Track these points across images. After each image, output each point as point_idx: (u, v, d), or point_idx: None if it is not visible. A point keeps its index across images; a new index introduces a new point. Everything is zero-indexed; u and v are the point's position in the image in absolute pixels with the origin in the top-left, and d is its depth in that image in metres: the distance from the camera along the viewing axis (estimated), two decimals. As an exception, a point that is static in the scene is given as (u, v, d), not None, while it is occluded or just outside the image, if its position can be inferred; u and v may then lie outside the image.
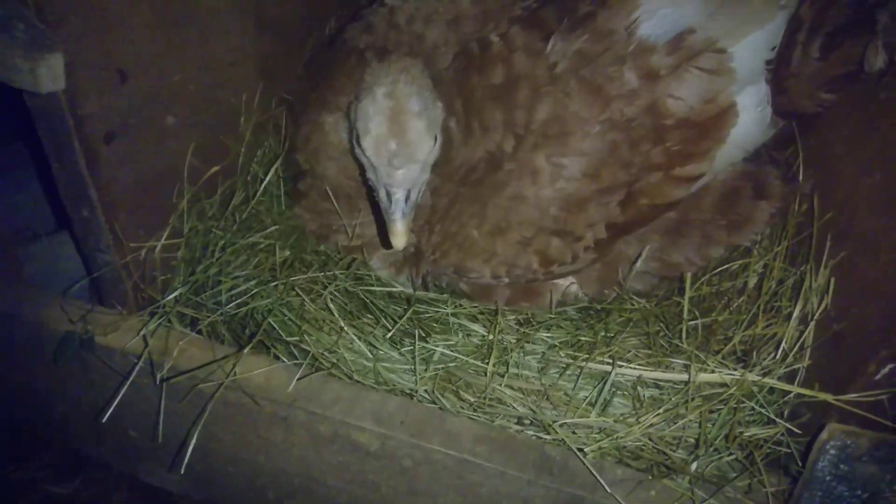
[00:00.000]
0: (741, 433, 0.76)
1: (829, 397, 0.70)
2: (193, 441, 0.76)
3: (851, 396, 0.69)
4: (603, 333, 0.87)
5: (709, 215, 0.92)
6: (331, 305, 0.87)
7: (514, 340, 0.86)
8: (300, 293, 0.87)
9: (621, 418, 0.78)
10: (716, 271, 0.95)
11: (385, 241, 0.83)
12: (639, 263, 0.92)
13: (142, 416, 0.85)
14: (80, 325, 0.84)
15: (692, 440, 0.77)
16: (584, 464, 0.73)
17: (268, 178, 1.03)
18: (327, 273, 0.92)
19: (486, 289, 0.95)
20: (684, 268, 0.93)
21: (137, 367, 0.79)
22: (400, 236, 0.78)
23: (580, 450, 0.74)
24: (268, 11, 1.05)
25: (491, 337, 0.85)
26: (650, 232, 0.92)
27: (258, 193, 1.01)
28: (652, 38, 0.81)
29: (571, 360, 0.82)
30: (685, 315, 0.84)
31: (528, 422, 0.80)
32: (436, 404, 0.81)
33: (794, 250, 0.91)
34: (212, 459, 0.89)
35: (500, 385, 0.80)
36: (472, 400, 0.81)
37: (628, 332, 0.88)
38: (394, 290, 0.96)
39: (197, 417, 0.77)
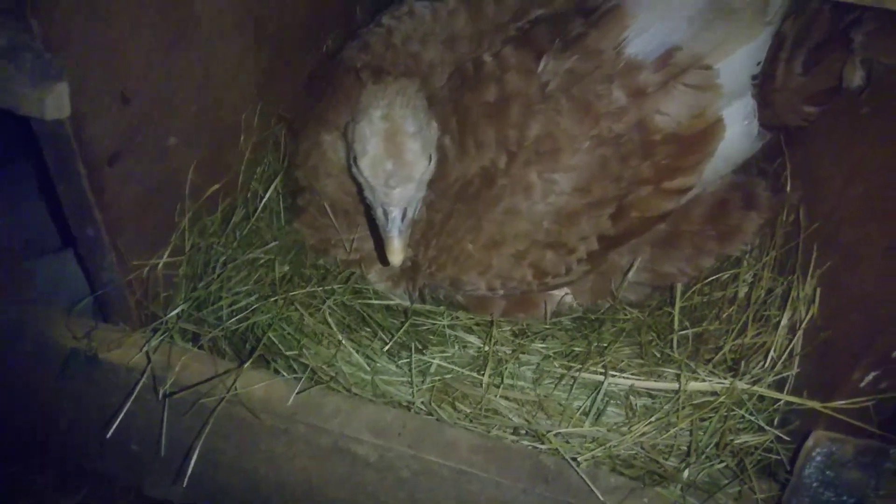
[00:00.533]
0: (732, 441, 0.78)
1: (816, 405, 0.72)
2: (196, 455, 0.78)
3: (838, 404, 0.70)
4: (596, 343, 0.89)
5: (699, 226, 0.94)
6: (329, 319, 0.88)
7: (510, 351, 0.88)
8: (299, 308, 0.89)
9: (614, 427, 0.79)
10: (707, 281, 0.97)
11: (383, 258, 0.85)
12: (631, 274, 0.94)
13: (145, 431, 0.87)
14: (85, 341, 0.86)
15: (684, 448, 0.78)
16: (578, 473, 0.75)
17: (267, 195, 1.05)
18: (326, 287, 0.94)
19: (482, 301, 0.97)
20: (676, 278, 0.95)
21: (140, 383, 0.81)
22: (397, 253, 0.80)
23: (574, 459, 0.76)
24: (267, 29, 1.07)
25: (487, 348, 0.87)
26: (642, 243, 0.94)
27: (258, 210, 1.03)
28: (640, 56, 0.83)
29: (565, 371, 0.84)
30: (676, 326, 0.86)
31: (524, 432, 0.82)
32: (433, 415, 0.82)
33: (783, 260, 0.93)
34: (215, 471, 0.90)
35: (496, 396, 0.82)
36: (469, 411, 0.82)
37: (621, 342, 0.90)
38: (391, 302, 0.98)
39: (199, 431, 0.79)
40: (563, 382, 0.84)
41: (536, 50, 0.87)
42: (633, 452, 0.78)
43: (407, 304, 0.98)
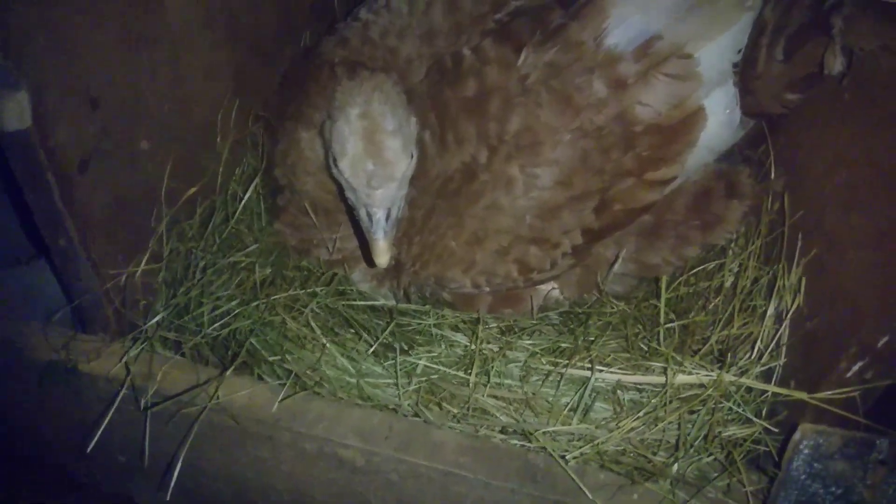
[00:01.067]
0: (720, 433, 0.77)
1: (804, 395, 0.72)
2: (179, 464, 0.77)
3: (825, 394, 0.70)
4: (583, 338, 0.88)
5: (683, 216, 0.93)
6: (312, 323, 0.87)
7: (497, 349, 0.87)
8: (280, 312, 0.87)
9: (602, 423, 0.79)
10: (693, 271, 0.96)
11: (368, 259, 0.84)
12: (616, 266, 0.93)
13: (129, 441, 0.85)
14: (63, 353, 0.85)
15: (672, 442, 0.78)
16: (567, 471, 0.74)
17: (247, 196, 1.03)
18: (308, 290, 0.92)
19: (468, 298, 0.96)
20: (661, 268, 0.94)
21: (121, 395, 0.80)
22: (383, 254, 0.78)
23: (562, 457, 0.75)
24: (240, 23, 1.04)
25: (473, 347, 0.86)
26: (626, 235, 0.93)
27: (238, 212, 1.01)
28: (620, 47, 0.82)
29: (552, 367, 0.84)
30: (662, 319, 0.85)
31: (512, 430, 0.81)
32: (419, 417, 0.82)
33: (768, 249, 0.92)
34: (201, 477, 0.89)
35: (483, 395, 0.81)
36: (456, 411, 0.82)
37: (608, 336, 0.89)
38: (376, 303, 0.97)
39: (183, 440, 0.78)
40: (551, 379, 0.83)
41: (516, 43, 0.85)
42: (622, 448, 0.77)
43: (392, 303, 0.97)
